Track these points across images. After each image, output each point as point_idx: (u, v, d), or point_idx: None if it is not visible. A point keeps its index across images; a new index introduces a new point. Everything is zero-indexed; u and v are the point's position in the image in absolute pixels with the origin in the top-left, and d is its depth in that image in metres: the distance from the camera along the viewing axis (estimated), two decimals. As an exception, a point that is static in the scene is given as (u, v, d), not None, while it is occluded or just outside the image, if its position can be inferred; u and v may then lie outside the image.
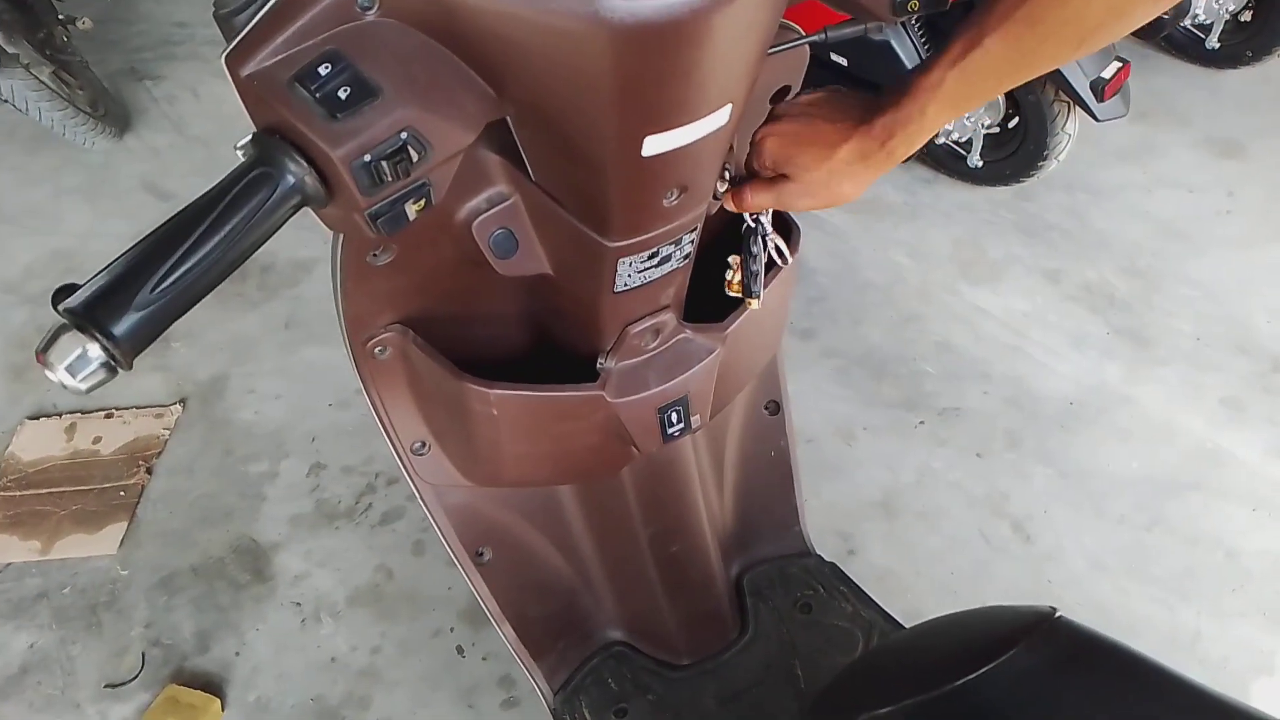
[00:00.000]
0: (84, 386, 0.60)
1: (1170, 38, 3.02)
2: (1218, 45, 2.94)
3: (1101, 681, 0.64)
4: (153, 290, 0.60)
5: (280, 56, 0.64)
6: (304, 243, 2.59)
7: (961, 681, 0.65)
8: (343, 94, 0.63)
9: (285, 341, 2.43)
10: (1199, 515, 1.95)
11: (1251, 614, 1.80)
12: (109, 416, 2.28)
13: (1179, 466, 2.04)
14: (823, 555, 1.44)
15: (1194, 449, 2.07)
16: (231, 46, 0.64)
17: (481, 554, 1.21)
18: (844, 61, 2.41)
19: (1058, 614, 0.68)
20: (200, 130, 3.17)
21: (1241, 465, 2.03)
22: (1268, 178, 2.70)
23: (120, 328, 0.59)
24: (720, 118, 0.74)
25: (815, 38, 0.88)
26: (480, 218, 0.86)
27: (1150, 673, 0.64)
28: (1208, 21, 2.88)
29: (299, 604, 1.91)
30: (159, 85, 3.38)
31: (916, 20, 2.30)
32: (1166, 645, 1.78)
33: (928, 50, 2.32)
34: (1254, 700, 1.70)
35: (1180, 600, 1.83)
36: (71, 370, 0.59)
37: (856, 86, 2.62)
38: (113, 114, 3.10)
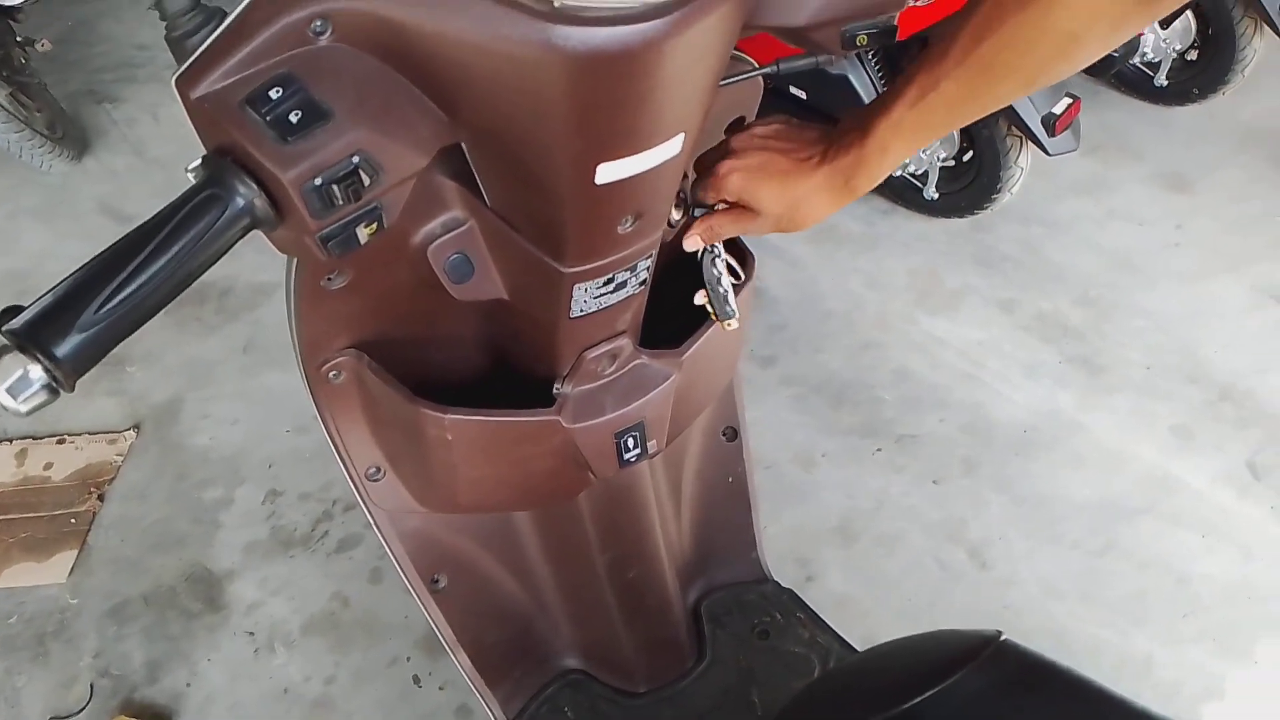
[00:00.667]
0: (24, 409, 0.59)
1: (1120, 75, 3.09)
2: (1166, 82, 3.02)
3: (1046, 703, 0.65)
4: (97, 311, 0.60)
5: (232, 79, 0.64)
6: (264, 267, 2.57)
7: (909, 704, 0.66)
8: (294, 117, 0.63)
9: (244, 366, 2.41)
10: (1150, 541, 1.99)
11: (1202, 639, 1.83)
12: (61, 442, 2.25)
13: (1131, 493, 2.07)
14: (780, 581, 1.45)
15: (1145, 476, 2.11)
16: (183, 69, 0.64)
17: (437, 581, 1.20)
18: (803, 94, 2.44)
19: (1003, 637, 0.69)
20: (160, 153, 3.15)
21: (1191, 492, 2.07)
22: (1215, 211, 2.77)
23: (63, 349, 0.58)
24: (673, 147, 0.74)
25: (768, 69, 0.89)
26: (436, 242, 0.86)
27: (1093, 695, 0.65)
28: (1156, 59, 2.96)
29: (252, 633, 1.88)
30: (119, 108, 3.36)
31: (873, 55, 2.34)
32: (1120, 670, 1.80)
33: (884, 83, 2.36)
34: (1204, 724, 1.72)
35: (1133, 625, 1.85)
36: (12, 392, 0.58)
37: (814, 119, 2.65)
38: (71, 136, 3.08)
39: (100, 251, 0.62)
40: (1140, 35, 2.80)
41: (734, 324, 1.00)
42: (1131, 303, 2.51)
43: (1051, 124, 2.25)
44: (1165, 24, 2.85)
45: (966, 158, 2.57)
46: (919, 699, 0.66)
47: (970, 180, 2.58)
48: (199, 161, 0.65)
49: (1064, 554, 1.97)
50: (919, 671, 0.69)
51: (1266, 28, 2.74)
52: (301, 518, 2.06)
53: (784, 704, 0.84)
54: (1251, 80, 2.92)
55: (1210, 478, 2.09)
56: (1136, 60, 2.94)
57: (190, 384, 2.37)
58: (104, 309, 0.60)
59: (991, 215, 2.69)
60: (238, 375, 2.39)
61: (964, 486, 2.10)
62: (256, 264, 2.55)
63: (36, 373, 0.58)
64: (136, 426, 2.27)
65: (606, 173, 0.72)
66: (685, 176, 0.89)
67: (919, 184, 2.67)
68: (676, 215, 0.94)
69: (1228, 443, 2.16)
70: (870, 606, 1.89)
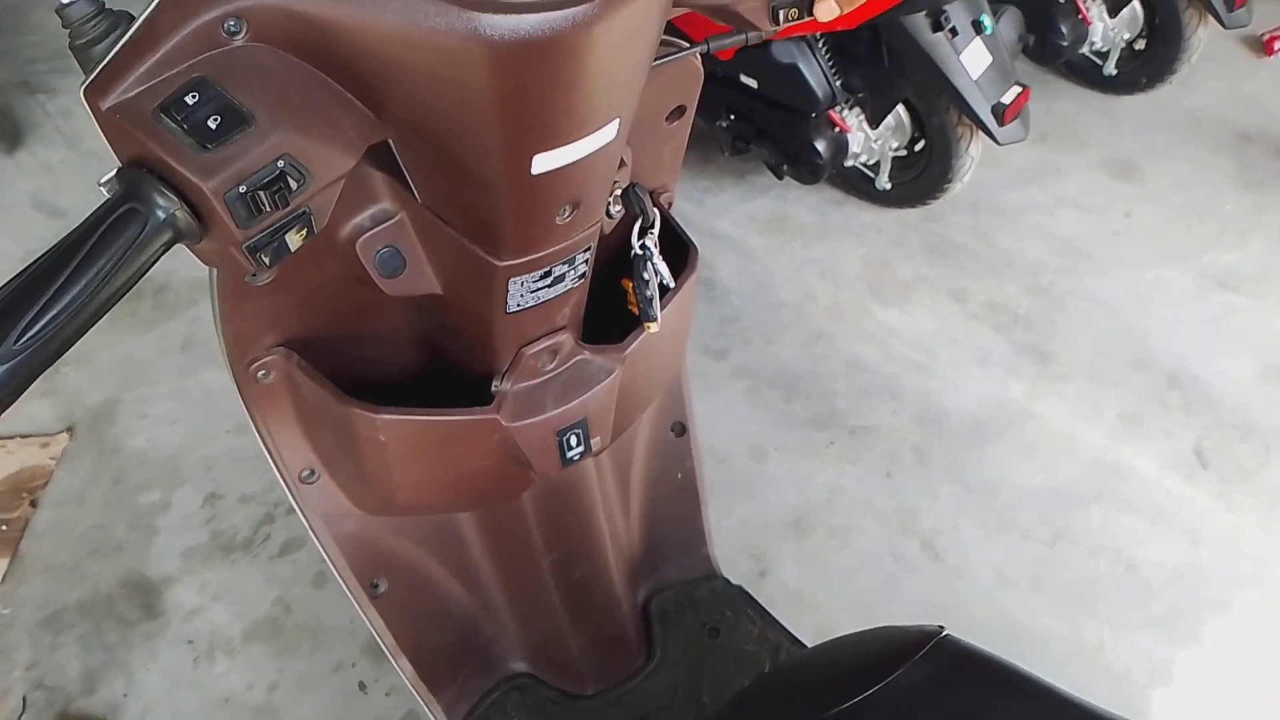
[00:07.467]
0: None
1: (1069, 63, 3.12)
2: (1114, 72, 3.05)
3: (984, 696, 0.65)
4: (17, 341, 0.57)
5: (144, 87, 0.60)
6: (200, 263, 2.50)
7: (851, 702, 0.65)
8: (213, 123, 0.60)
9: (182, 364, 2.35)
10: (1100, 528, 2.00)
11: (1151, 625, 1.84)
12: (-9, 446, 2.17)
13: (1081, 480, 2.09)
14: (730, 578, 1.43)
15: (1095, 463, 2.12)
16: (91, 78, 0.60)
17: (376, 585, 1.17)
18: (754, 83, 2.43)
19: (945, 633, 0.68)
20: (95, 145, 3.05)
21: (1140, 478, 2.08)
22: (1161, 199, 2.80)
23: None
24: (609, 133, 0.72)
25: (699, 48, 0.88)
26: (365, 235, 0.83)
27: (1030, 687, 0.66)
28: (1105, 49, 2.99)
29: (192, 641, 1.82)
30: (52, 99, 3.26)
31: (824, 44, 2.33)
32: (1071, 657, 1.80)
33: (835, 72, 2.35)
34: (1153, 710, 1.73)
35: (1083, 613, 1.86)
36: None
37: (767, 107, 2.62)
38: (2, 128, 2.98)
39: (15, 274, 0.59)
40: (1089, 24, 2.82)
41: (655, 327, 0.98)
42: (1081, 290, 2.52)
43: (1001, 113, 2.26)
44: (1113, 12, 2.87)
45: (918, 148, 2.58)
46: (861, 696, 0.65)
47: (922, 170, 2.58)
48: (112, 174, 0.62)
49: (1015, 543, 1.98)
50: (862, 668, 0.68)
51: (1210, 18, 2.78)
52: (242, 521, 2.01)
53: (726, 702, 0.83)
54: (1195, 70, 2.96)
55: (1159, 464, 2.11)
56: (1085, 49, 2.97)
57: (126, 384, 2.30)
58: (24, 338, 0.57)
59: (942, 205, 2.69)
60: (175, 374, 2.32)
61: (916, 477, 2.10)
62: (194, 259, 2.47)
63: None
64: (70, 429, 2.20)
65: (543, 162, 0.70)
66: (622, 164, 0.87)
67: (871, 174, 2.67)
68: (616, 207, 0.92)
69: (1176, 429, 2.18)
70: (823, 600, 1.88)
